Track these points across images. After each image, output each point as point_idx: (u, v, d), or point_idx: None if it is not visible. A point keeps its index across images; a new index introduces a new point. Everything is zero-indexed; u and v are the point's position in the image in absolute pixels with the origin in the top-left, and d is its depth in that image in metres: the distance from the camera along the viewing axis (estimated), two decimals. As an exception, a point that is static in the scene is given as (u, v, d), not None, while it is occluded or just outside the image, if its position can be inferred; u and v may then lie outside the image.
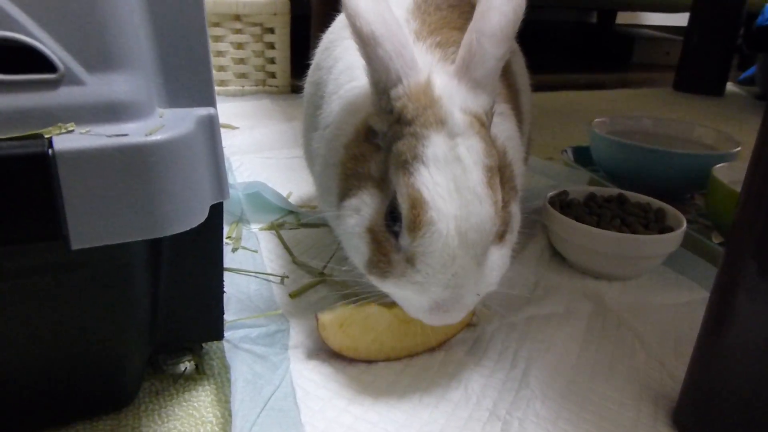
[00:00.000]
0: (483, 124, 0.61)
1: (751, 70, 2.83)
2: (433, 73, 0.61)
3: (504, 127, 0.72)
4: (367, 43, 0.58)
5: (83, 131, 0.44)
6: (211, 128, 0.51)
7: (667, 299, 0.89)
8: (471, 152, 0.58)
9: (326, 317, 0.68)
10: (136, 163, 0.44)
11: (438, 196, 0.57)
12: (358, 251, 0.64)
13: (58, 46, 0.45)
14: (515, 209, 0.68)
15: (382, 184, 0.62)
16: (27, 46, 0.44)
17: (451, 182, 0.57)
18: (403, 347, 0.71)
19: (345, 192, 0.65)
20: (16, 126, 0.43)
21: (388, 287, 0.63)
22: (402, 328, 0.70)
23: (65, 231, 0.44)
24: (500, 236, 0.64)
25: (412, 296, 0.61)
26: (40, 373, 0.56)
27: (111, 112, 0.46)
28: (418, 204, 0.57)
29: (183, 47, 0.52)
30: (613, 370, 0.72)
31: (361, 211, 0.63)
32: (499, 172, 0.64)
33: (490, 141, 0.61)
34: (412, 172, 0.58)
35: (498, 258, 0.63)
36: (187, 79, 0.53)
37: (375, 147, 0.63)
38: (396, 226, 0.60)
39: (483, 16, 0.60)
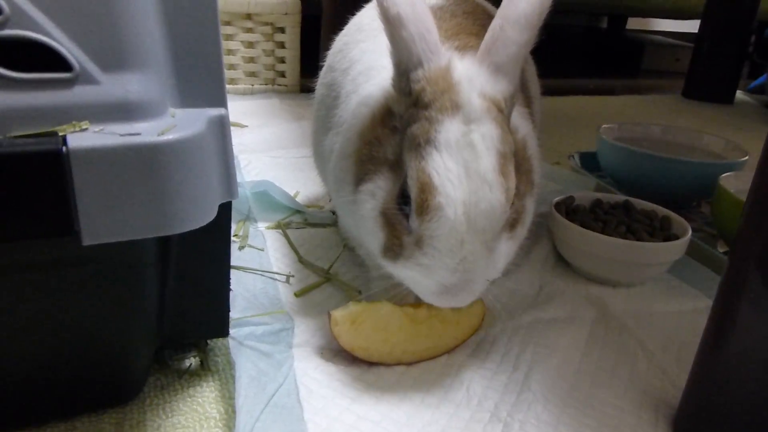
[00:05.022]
0: (501, 110, 0.61)
1: (761, 79, 2.82)
2: (454, 58, 0.61)
3: (524, 124, 0.72)
4: (392, 24, 0.59)
5: (97, 130, 0.45)
6: (221, 129, 0.52)
7: (670, 307, 0.89)
8: (485, 138, 0.58)
9: (338, 314, 0.68)
10: (147, 162, 0.45)
11: (447, 181, 0.57)
12: (374, 236, 0.65)
13: (74, 46, 0.45)
14: (529, 203, 0.68)
15: (396, 167, 0.62)
16: (44, 46, 0.44)
17: (462, 168, 0.57)
18: (414, 351, 0.71)
19: (360, 177, 0.66)
20: (31, 123, 0.44)
21: (398, 269, 0.63)
22: (414, 329, 0.70)
23: (77, 227, 0.45)
24: (511, 226, 0.64)
25: (420, 278, 0.61)
26: (48, 366, 0.57)
27: (124, 111, 0.47)
28: (427, 188, 0.57)
29: (196, 49, 0.53)
30: (615, 376, 0.73)
31: (375, 195, 0.63)
32: (517, 164, 0.64)
33: (507, 128, 0.61)
34: (423, 156, 0.58)
35: (506, 247, 0.64)
36: (200, 80, 0.53)
37: (391, 130, 0.64)
38: (407, 207, 0.60)
39: (510, 2, 0.60)
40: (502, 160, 0.59)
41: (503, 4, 0.61)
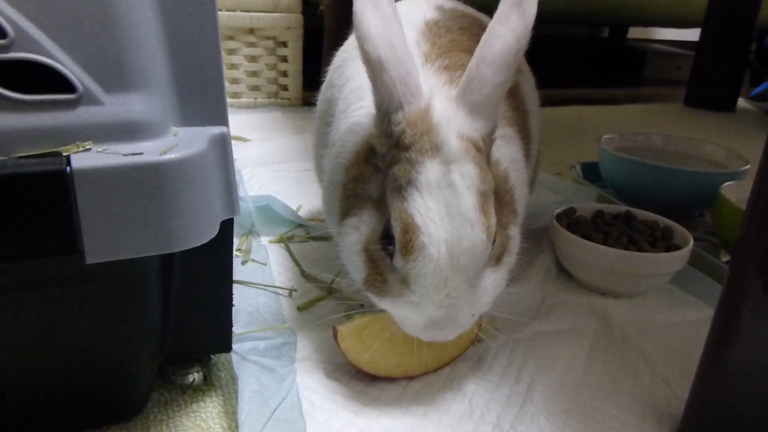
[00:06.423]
0: (479, 149, 0.62)
1: (763, 86, 2.83)
2: (433, 98, 0.62)
3: (507, 151, 0.73)
4: (373, 68, 0.60)
5: (100, 150, 0.46)
6: (223, 147, 0.53)
7: (673, 317, 0.89)
8: (465, 178, 0.59)
9: (344, 328, 0.69)
10: (150, 181, 0.45)
11: (430, 221, 0.58)
12: (356, 268, 0.66)
13: (77, 68, 0.46)
14: (514, 232, 0.69)
15: (380, 205, 0.63)
16: (48, 67, 0.45)
17: (443, 207, 0.58)
18: (420, 361, 0.71)
19: (346, 211, 0.67)
20: (36, 144, 0.45)
21: (386, 305, 0.64)
22: (417, 340, 0.70)
23: (80, 245, 0.45)
24: (497, 259, 0.65)
25: (408, 314, 0.63)
26: (52, 381, 0.57)
27: (127, 131, 0.47)
28: (410, 229, 0.58)
29: (197, 68, 0.54)
30: (618, 387, 0.73)
31: (359, 229, 0.65)
32: (500, 197, 0.65)
33: (485, 167, 0.62)
34: (405, 197, 0.59)
35: (492, 281, 0.64)
36: (201, 99, 0.54)
37: (375, 168, 0.65)
38: (391, 246, 0.61)
39: (485, 43, 0.61)
40: (482, 199, 0.60)
41: (480, 43, 0.62)
